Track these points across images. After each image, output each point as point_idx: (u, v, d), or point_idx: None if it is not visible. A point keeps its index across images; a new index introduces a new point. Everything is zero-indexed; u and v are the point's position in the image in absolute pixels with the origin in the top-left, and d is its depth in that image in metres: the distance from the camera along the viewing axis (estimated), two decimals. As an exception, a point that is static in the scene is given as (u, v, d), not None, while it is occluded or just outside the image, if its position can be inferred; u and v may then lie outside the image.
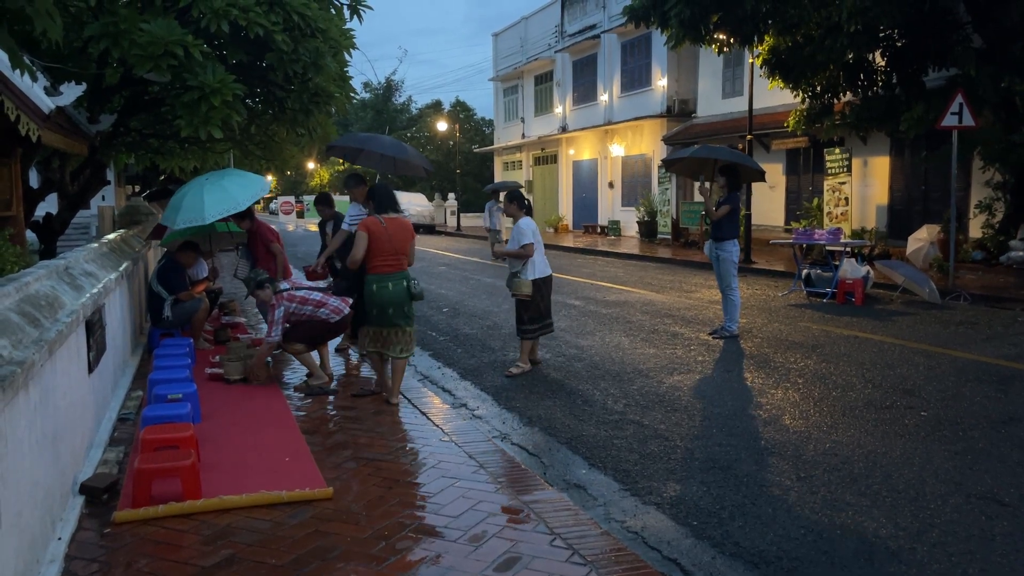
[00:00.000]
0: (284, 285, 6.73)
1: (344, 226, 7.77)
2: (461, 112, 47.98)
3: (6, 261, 5.49)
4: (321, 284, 7.37)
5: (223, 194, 7.68)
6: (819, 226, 16.75)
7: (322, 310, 6.53)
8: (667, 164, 11.12)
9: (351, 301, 6.85)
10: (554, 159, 33.07)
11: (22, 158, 7.64)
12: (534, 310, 7.26)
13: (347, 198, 7.88)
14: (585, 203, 30.65)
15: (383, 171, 8.94)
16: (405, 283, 6.00)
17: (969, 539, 3.75)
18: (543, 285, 7.34)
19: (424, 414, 5.73)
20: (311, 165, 58.83)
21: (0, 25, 3.10)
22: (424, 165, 8.87)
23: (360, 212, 7.60)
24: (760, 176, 9.73)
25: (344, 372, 7.23)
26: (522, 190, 19.37)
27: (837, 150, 17.41)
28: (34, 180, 9.98)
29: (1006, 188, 14.29)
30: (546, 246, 7.83)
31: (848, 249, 12.42)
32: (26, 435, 3.17)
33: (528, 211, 7.40)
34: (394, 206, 6.15)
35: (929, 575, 3.43)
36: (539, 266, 7.28)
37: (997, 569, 3.48)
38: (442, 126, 40.75)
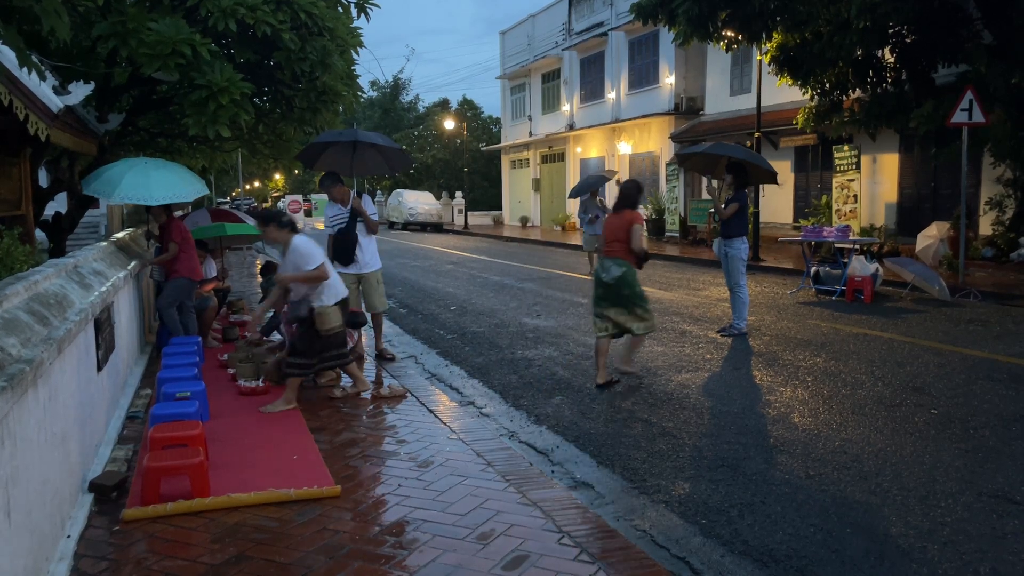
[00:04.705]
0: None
1: (327, 229, 7.70)
2: (468, 110, 47.89)
3: (16, 260, 5.51)
4: None
5: (170, 180, 7.56)
6: (828, 223, 16.66)
7: None
8: (680, 159, 11.10)
9: (356, 336, 6.86)
10: (561, 157, 33.03)
11: (31, 157, 7.67)
12: (329, 340, 6.04)
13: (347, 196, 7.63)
14: (593, 201, 30.57)
15: (343, 172, 8.40)
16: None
17: (980, 537, 3.73)
18: (343, 308, 6.15)
19: (432, 412, 5.73)
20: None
21: (9, 24, 3.11)
22: (385, 144, 7.92)
23: (339, 212, 7.51)
24: (772, 178, 9.59)
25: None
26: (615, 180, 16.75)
27: (846, 147, 17.33)
28: (43, 179, 10.01)
29: (1016, 185, 14.18)
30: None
31: (857, 247, 12.36)
32: (35, 433, 3.18)
33: (293, 229, 6.04)
34: (623, 204, 6.87)
35: (940, 574, 3.41)
36: (337, 286, 6.11)
37: (1009, 568, 3.45)
38: (449, 124, 40.74)
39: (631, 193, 6.94)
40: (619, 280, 6.66)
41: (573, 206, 31.59)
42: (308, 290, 5.95)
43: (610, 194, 15.96)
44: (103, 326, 5.13)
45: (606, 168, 28.64)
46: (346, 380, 6.64)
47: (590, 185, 15.75)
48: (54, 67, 6.72)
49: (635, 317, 6.71)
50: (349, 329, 6.85)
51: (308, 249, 5.92)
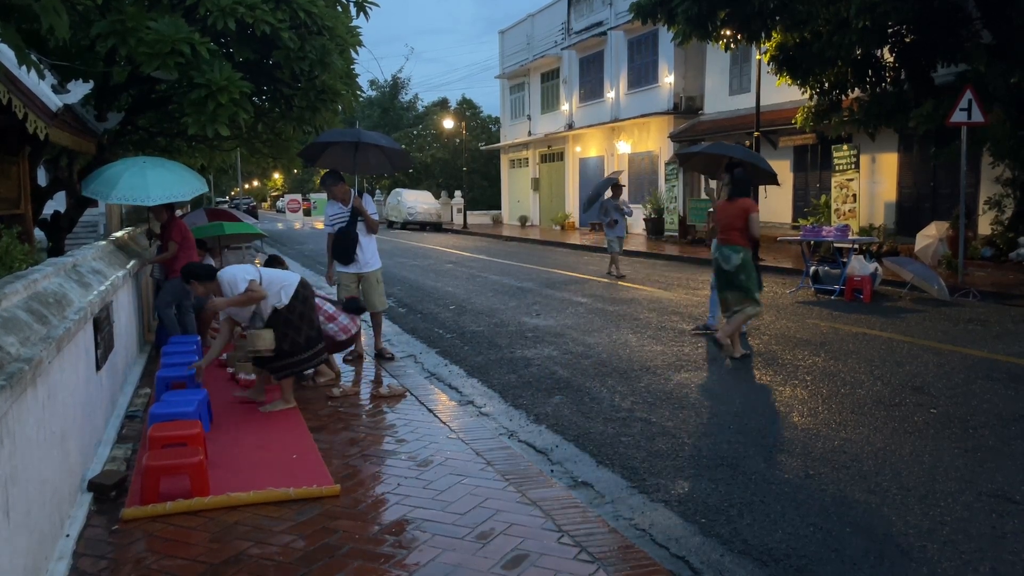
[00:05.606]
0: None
1: (327, 228, 7.69)
2: (467, 110, 47.86)
3: (14, 259, 5.50)
4: (332, 295, 7.36)
5: (167, 180, 7.52)
6: (827, 223, 16.68)
7: (330, 324, 6.56)
8: (680, 159, 11.08)
9: (359, 321, 6.89)
10: (560, 156, 33.03)
11: (30, 156, 7.66)
12: (292, 339, 5.79)
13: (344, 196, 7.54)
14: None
15: (345, 169, 8.17)
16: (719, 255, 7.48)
17: (980, 537, 3.73)
18: (307, 294, 5.93)
19: (431, 411, 5.72)
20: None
21: (7, 22, 3.11)
22: (388, 145, 7.93)
23: (340, 210, 7.48)
24: (772, 179, 9.53)
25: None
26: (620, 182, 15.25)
27: (845, 147, 17.34)
28: (42, 178, 10.01)
29: (1015, 185, 14.19)
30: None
31: (856, 246, 12.37)
32: (34, 433, 3.18)
33: (213, 273, 5.83)
34: (737, 192, 7.47)
35: (940, 574, 3.41)
36: (288, 283, 5.82)
37: (1008, 567, 3.45)
38: (448, 124, 40.74)
39: (744, 182, 7.47)
40: (738, 267, 7.34)
41: (572, 205, 31.69)
42: (254, 309, 5.73)
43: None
44: (102, 325, 5.12)
45: (606, 168, 28.71)
46: (346, 380, 6.64)
47: (601, 189, 15.13)
48: (53, 66, 6.70)
49: (750, 301, 7.49)
50: (351, 314, 6.86)
51: (231, 276, 5.69)
